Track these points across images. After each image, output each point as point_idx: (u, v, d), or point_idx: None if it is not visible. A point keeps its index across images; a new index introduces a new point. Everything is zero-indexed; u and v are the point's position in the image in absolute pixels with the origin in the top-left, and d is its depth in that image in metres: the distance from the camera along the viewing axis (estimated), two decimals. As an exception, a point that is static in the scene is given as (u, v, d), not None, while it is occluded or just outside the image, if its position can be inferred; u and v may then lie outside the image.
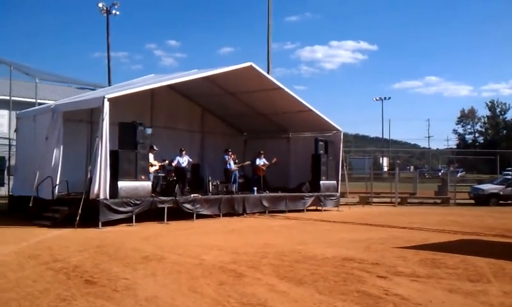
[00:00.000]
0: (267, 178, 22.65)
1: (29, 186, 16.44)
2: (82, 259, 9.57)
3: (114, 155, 15.41)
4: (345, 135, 26.65)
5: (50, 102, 19.89)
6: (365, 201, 29.15)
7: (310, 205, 22.44)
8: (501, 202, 28.95)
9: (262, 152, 22.75)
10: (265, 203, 20.35)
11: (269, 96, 22.64)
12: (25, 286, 7.45)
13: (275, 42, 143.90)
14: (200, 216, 17.53)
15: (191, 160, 20.49)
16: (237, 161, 22.18)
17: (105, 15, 39.71)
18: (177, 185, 17.76)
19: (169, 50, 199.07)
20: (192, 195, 17.91)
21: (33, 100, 23.98)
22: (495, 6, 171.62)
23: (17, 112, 19.76)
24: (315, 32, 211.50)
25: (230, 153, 21.63)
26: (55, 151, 15.97)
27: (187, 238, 13.14)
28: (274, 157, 22.70)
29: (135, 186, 15.79)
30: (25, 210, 15.99)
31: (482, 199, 29.20)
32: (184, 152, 20.11)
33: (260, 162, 22.44)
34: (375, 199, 30.14)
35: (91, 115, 19.15)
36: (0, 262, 9.29)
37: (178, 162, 19.79)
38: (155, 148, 18.23)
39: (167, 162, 19.39)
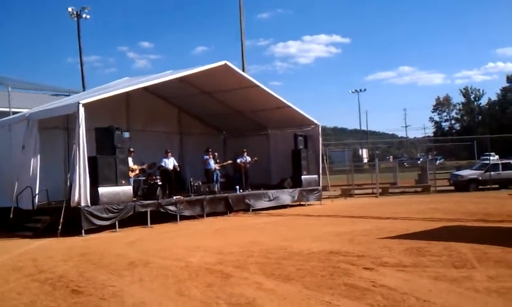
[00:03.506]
0: (250, 176, 22.65)
1: (7, 197, 16.18)
2: (67, 269, 9.47)
3: (92, 161, 15.27)
4: (324, 128, 26.86)
5: (25, 111, 19.60)
6: (347, 193, 29.30)
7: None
8: (480, 187, 29.34)
9: (244, 150, 22.78)
10: (249, 201, 20.35)
11: (246, 94, 22.63)
12: (11, 299, 7.34)
13: (248, 39, 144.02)
14: (183, 218, 17.48)
15: (176, 164, 20.30)
16: (218, 160, 22.15)
17: (75, 19, 39.29)
18: (159, 188, 17.67)
19: (143, 52, 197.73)
20: (174, 197, 17.83)
21: (7, 110, 23.64)
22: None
23: (-9, 122, 19.43)
24: (287, 28, 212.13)
25: (210, 152, 21.58)
26: (32, 160, 15.74)
27: (172, 241, 13.06)
28: (254, 155, 22.74)
29: (116, 191, 15.67)
30: (6, 222, 15.75)
31: (462, 185, 29.60)
32: (169, 153, 19.92)
33: (242, 159, 22.44)
34: (357, 191, 30.33)
35: (67, 122, 18.89)
36: (-17, 276, 9.14)
37: (165, 163, 19.60)
38: (131, 149, 18.10)
39: (145, 165, 19.26)
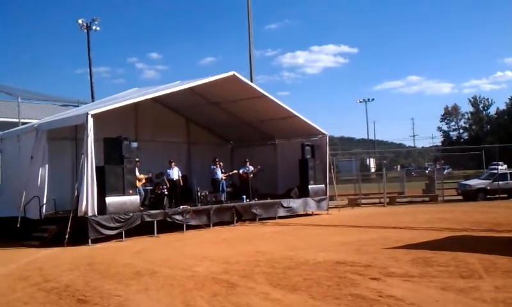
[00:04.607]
0: (257, 186, 22.68)
1: (15, 206, 16.24)
2: (74, 278, 9.49)
3: (100, 171, 15.31)
4: (331, 138, 26.81)
5: (34, 121, 19.72)
6: (354, 203, 29.21)
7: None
8: (488, 196, 29.19)
9: (247, 160, 22.79)
10: (255, 211, 20.33)
11: (254, 104, 22.67)
12: (17, 309, 7.36)
13: (256, 50, 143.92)
14: (190, 227, 17.47)
15: (180, 174, 20.44)
16: (223, 170, 22.17)
17: (85, 31, 39.53)
18: (166, 198, 17.69)
19: (151, 63, 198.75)
20: (181, 206, 17.84)
21: (16, 120, 23.77)
22: (472, 4, 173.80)
23: (0, 132, 19.56)
24: (295, 39, 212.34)
25: (217, 162, 21.63)
26: (40, 170, 15.81)
27: (178, 251, 13.07)
28: (257, 164, 22.76)
29: (123, 201, 15.70)
30: (13, 231, 15.80)
31: (470, 195, 29.41)
32: (173, 164, 20.07)
33: (245, 169, 22.46)
34: (364, 201, 30.22)
35: (75, 132, 18.97)
36: (-10, 286, 9.17)
37: (168, 174, 19.72)
38: (137, 159, 18.17)
39: (150, 174, 19.33)
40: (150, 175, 19.28)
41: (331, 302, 6.97)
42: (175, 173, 20.10)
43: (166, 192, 18.72)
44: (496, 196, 28.98)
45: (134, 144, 17.38)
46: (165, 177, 19.82)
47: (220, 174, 21.51)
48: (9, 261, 11.85)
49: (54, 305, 7.46)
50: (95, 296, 7.90)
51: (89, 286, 8.66)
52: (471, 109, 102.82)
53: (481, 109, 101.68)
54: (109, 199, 15.27)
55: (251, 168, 22.58)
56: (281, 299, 7.32)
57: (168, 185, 19.64)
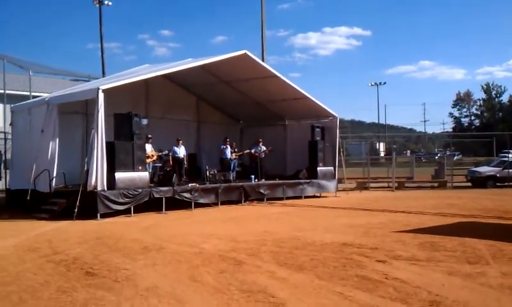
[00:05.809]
0: (265, 166, 22.68)
1: (26, 179, 16.41)
2: (82, 251, 9.58)
3: (110, 147, 15.37)
4: (342, 121, 26.78)
5: (45, 95, 19.79)
6: (362, 186, 29.17)
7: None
8: (498, 184, 29.07)
9: (260, 140, 22.79)
10: (263, 191, 20.38)
11: (265, 84, 22.59)
12: (26, 279, 7.45)
13: (268, 30, 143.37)
14: (198, 205, 17.55)
15: (185, 153, 20.45)
16: (236, 150, 22.20)
17: (97, 5, 39.54)
18: (175, 175, 17.75)
19: (163, 40, 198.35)
20: (190, 184, 17.91)
21: (27, 93, 23.82)
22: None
23: (12, 105, 19.64)
24: (307, 19, 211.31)
25: (228, 142, 21.65)
26: (51, 143, 15.92)
27: (186, 228, 13.15)
28: (268, 145, 22.76)
29: (132, 177, 15.76)
30: (23, 204, 15.98)
31: (480, 182, 29.30)
32: (180, 142, 20.07)
33: (257, 149, 22.48)
34: (372, 185, 30.18)
35: (86, 107, 19.04)
36: (0, 256, 9.29)
37: (175, 151, 19.77)
38: (149, 136, 18.21)
39: (165, 152, 19.37)
40: (166, 152, 19.30)
41: (337, 283, 7.00)
42: (182, 151, 20.10)
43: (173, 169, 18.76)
44: (506, 183, 28.86)
45: (144, 121, 17.44)
46: (170, 154, 19.80)
47: (229, 154, 21.53)
48: (19, 233, 12.00)
49: (62, 276, 7.54)
50: (103, 269, 7.98)
51: (98, 260, 8.74)
52: (483, 95, 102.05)
53: (493, 96, 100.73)
54: (118, 175, 15.33)
55: (264, 148, 22.59)
56: (287, 277, 7.37)
57: (172, 162, 19.64)
